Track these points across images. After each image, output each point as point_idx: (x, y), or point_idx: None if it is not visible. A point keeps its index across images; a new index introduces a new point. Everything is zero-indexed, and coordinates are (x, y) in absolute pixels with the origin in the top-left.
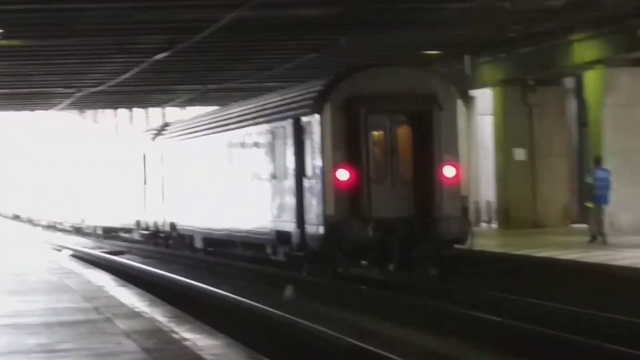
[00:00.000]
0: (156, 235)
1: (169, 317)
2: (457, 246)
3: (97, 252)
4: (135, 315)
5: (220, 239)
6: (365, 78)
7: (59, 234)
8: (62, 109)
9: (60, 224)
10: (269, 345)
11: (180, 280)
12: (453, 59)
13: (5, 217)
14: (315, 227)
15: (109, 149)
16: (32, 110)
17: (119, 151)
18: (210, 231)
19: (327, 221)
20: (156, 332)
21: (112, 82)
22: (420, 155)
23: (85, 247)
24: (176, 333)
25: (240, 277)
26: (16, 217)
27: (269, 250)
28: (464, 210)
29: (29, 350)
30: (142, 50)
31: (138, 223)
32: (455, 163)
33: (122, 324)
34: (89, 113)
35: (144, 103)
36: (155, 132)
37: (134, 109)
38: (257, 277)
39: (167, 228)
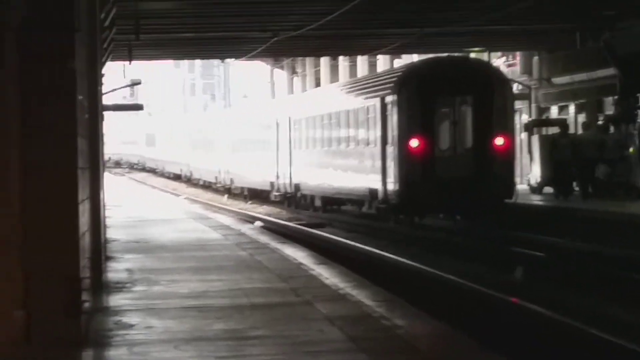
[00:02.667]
0: (285, 196)
1: (379, 301)
2: (506, 201)
3: (292, 224)
4: (339, 298)
5: (332, 197)
6: (434, 66)
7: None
8: (255, 56)
9: (215, 184)
10: (495, 334)
11: (389, 257)
12: None
13: (167, 177)
14: (393, 185)
15: (255, 113)
16: (222, 57)
17: (260, 117)
18: (324, 190)
19: (403, 181)
20: (364, 318)
21: (314, 25)
22: (478, 128)
23: (278, 218)
24: (387, 319)
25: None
26: (177, 177)
27: (365, 206)
28: (510, 172)
29: (215, 337)
30: None
31: (272, 185)
32: (505, 135)
33: (324, 308)
34: (287, 63)
35: (350, 50)
36: (284, 102)
37: (339, 57)
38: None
39: (293, 189)
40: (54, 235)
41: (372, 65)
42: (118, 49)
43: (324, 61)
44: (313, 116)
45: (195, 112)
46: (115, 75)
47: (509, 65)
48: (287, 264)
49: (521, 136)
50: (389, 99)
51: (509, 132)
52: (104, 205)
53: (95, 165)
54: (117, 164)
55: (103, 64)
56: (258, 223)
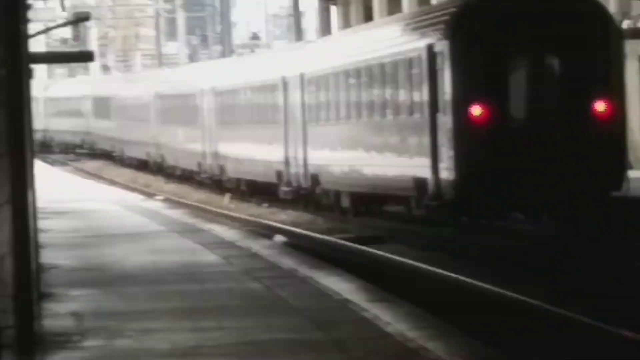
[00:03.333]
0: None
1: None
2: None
3: (332, 239)
4: (409, 355)
5: (365, 192)
6: None
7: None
8: None
9: (198, 174)
10: None
11: (486, 288)
12: None
13: (130, 164)
14: (448, 172)
15: (253, 67)
16: None
17: (260, 73)
18: (353, 183)
19: (462, 166)
20: None
21: None
22: (570, 89)
23: (309, 230)
24: None
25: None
26: (144, 165)
27: (412, 204)
28: (618, 151)
29: None
30: None
31: (279, 175)
32: (608, 98)
33: None
34: None
35: None
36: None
37: None
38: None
39: (309, 182)
40: None
41: None
42: None
43: None
44: (334, 72)
45: (166, 68)
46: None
47: None
48: (326, 302)
49: None
50: (440, 46)
51: (616, 95)
52: (35, 213)
53: (19, 149)
54: (45, 146)
55: None
56: (279, 237)
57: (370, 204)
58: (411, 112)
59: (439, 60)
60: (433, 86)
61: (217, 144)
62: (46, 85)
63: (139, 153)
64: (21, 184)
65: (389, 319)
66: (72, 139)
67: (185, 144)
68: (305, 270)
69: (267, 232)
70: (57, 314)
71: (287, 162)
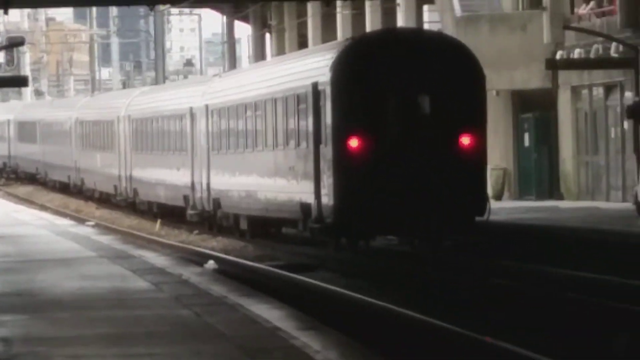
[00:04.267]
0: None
1: None
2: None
3: (262, 266)
4: None
5: (259, 216)
6: (380, 40)
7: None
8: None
9: (114, 196)
10: None
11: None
12: None
13: (53, 186)
14: (328, 198)
15: (167, 95)
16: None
17: (172, 102)
18: (250, 207)
19: (340, 192)
20: None
21: None
22: (438, 123)
23: (239, 257)
24: None
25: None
26: (65, 187)
27: (299, 226)
28: (481, 180)
29: None
30: None
31: (186, 200)
32: (471, 131)
33: None
34: (254, 11)
35: None
36: (202, 82)
37: (336, 2)
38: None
39: (211, 206)
40: None
41: (389, 15)
42: None
43: (313, 8)
44: (233, 104)
45: (81, 96)
46: None
47: (601, 14)
48: (255, 330)
49: (624, 126)
50: (322, 84)
51: (478, 128)
52: None
53: None
54: None
55: None
56: (211, 264)
57: (266, 226)
58: (298, 143)
59: (321, 96)
60: (317, 119)
61: (131, 168)
62: None
63: (61, 176)
64: None
65: (319, 346)
66: None
67: (103, 168)
68: (235, 298)
69: (197, 258)
70: None
71: (193, 187)
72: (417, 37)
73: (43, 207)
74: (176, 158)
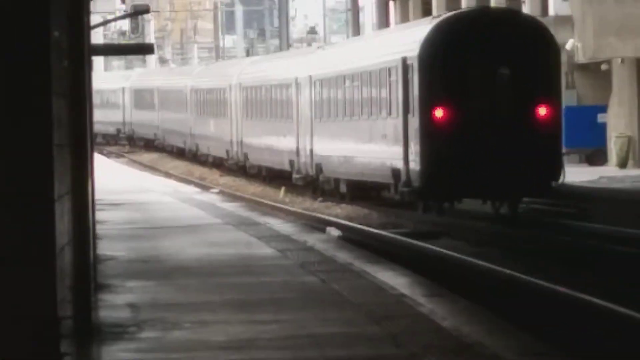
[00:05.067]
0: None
1: (527, 355)
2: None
3: (387, 233)
4: (464, 349)
5: (357, 180)
6: (464, 21)
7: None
8: None
9: (226, 161)
10: None
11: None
12: None
13: (170, 151)
14: (416, 163)
15: (273, 66)
16: None
17: (278, 72)
18: (348, 171)
19: (425, 159)
20: None
21: None
22: (518, 95)
23: (364, 224)
24: None
25: None
26: (180, 152)
27: (391, 190)
28: (556, 147)
29: None
30: None
31: (292, 164)
32: (548, 102)
33: None
34: None
35: None
36: (306, 53)
37: None
38: None
39: (314, 171)
40: (15, 251)
41: None
42: None
43: None
44: (334, 75)
45: (196, 65)
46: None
47: None
48: (382, 297)
49: None
50: (411, 59)
51: (554, 99)
52: (93, 204)
53: (81, 141)
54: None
55: None
56: (333, 231)
57: (365, 190)
58: (390, 113)
59: (410, 70)
60: (406, 91)
61: (242, 134)
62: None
63: (177, 142)
64: (81, 175)
65: (445, 313)
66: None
67: (216, 134)
68: (360, 264)
69: (322, 225)
70: (113, 305)
71: (298, 153)
72: (496, 15)
73: (167, 174)
74: (283, 125)
